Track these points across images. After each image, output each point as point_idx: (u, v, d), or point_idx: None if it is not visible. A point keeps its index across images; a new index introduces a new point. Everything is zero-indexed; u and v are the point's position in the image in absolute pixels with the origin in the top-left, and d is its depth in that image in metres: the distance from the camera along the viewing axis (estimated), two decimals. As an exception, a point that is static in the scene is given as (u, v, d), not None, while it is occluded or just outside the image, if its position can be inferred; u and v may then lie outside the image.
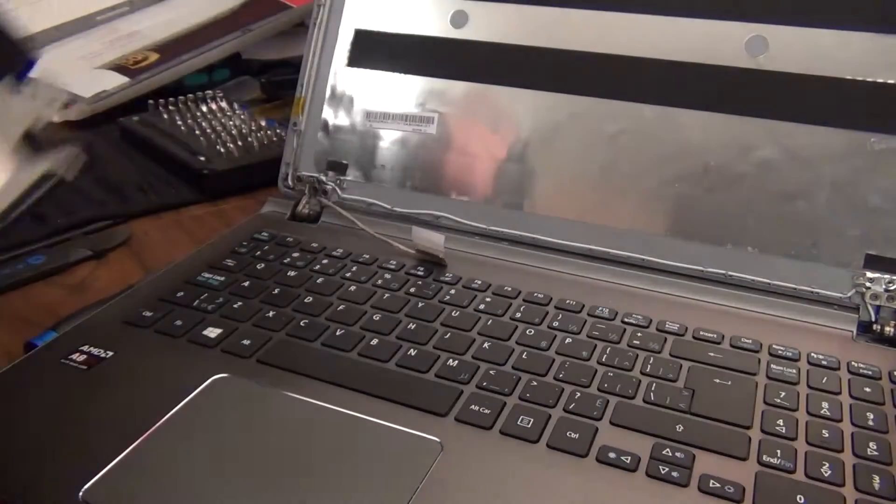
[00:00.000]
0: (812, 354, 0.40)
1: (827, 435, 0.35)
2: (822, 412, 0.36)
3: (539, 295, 0.45)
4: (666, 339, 0.42)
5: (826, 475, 0.32)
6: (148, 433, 0.34)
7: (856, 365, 0.40)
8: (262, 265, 0.48)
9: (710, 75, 0.47)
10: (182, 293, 0.45)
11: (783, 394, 0.37)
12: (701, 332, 0.42)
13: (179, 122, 0.69)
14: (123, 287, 0.47)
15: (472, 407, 0.36)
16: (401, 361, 0.39)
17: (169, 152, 0.66)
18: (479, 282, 0.47)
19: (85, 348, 0.39)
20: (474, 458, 0.33)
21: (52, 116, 0.72)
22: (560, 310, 0.44)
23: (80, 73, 0.81)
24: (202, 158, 0.64)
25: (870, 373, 0.39)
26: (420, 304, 0.44)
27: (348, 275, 0.47)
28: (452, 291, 0.46)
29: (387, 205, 0.54)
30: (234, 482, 0.31)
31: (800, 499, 0.31)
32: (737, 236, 0.46)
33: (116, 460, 0.32)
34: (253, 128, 0.69)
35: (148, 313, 0.43)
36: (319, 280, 0.47)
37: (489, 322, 0.43)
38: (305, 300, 0.44)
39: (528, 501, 0.31)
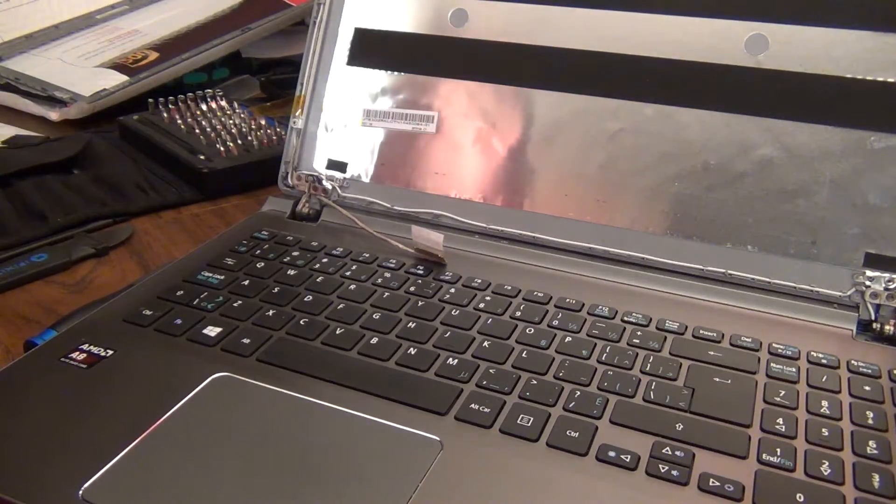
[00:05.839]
0: (812, 353, 0.40)
1: (826, 433, 0.35)
2: (821, 411, 0.36)
3: (539, 294, 0.45)
4: (666, 338, 0.42)
5: (826, 474, 0.32)
6: (148, 432, 0.34)
7: (855, 363, 0.40)
8: (262, 264, 0.48)
9: (710, 74, 0.47)
10: (182, 292, 0.45)
11: (783, 392, 0.37)
12: (701, 331, 0.42)
13: (179, 121, 0.69)
14: (123, 286, 0.47)
15: (472, 406, 0.36)
16: (400, 360, 0.39)
17: (169, 151, 0.66)
18: (479, 280, 0.47)
19: (85, 347, 0.39)
20: (474, 456, 0.33)
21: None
22: (560, 308, 0.44)
23: (80, 71, 0.81)
24: (202, 157, 0.64)
25: (869, 371, 0.39)
26: (420, 303, 0.44)
27: (348, 273, 0.47)
28: (452, 290, 0.46)
29: (386, 204, 0.54)
30: (233, 481, 0.31)
31: (799, 497, 0.31)
32: (737, 235, 0.46)
33: (116, 459, 0.32)
34: (253, 126, 0.69)
35: (148, 312, 0.43)
36: (319, 279, 0.47)
37: (489, 321, 0.43)
38: (305, 299, 0.44)
39: (527, 500, 0.31)
